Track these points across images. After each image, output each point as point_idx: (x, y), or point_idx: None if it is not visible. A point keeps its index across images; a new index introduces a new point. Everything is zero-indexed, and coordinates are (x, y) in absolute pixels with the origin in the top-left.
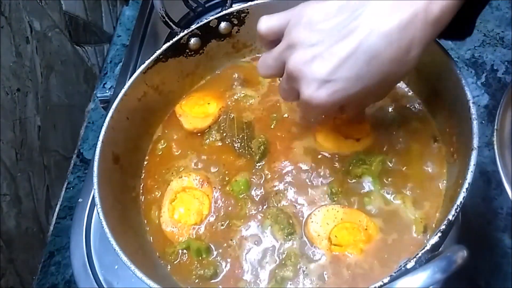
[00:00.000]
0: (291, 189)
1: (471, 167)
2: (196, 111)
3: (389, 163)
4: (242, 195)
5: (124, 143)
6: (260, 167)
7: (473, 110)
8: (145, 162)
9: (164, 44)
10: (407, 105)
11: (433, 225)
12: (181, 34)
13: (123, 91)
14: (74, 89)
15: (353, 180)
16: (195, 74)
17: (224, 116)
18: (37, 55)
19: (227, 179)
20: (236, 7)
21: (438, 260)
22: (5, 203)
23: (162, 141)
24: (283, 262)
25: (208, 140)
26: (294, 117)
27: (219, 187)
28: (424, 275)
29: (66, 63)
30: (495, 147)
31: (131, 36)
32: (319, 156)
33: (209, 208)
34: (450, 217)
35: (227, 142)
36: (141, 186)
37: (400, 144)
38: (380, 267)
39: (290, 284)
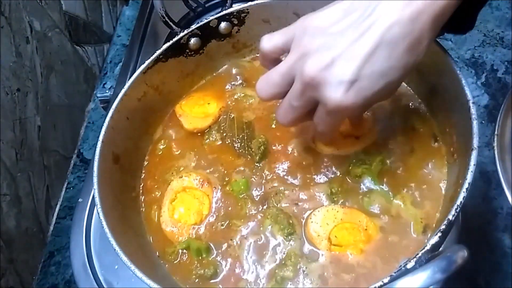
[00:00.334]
0: (291, 189)
1: (471, 167)
2: (196, 111)
3: (389, 163)
4: (242, 195)
5: (124, 143)
6: (260, 167)
7: (473, 110)
8: (145, 162)
9: (164, 44)
10: (407, 105)
11: (433, 225)
12: (181, 34)
13: (123, 91)
14: (74, 89)
15: (353, 180)
16: (195, 74)
17: (224, 116)
18: (37, 55)
19: (227, 179)
20: (236, 7)
21: (438, 260)
22: (5, 203)
23: (162, 141)
24: (283, 262)
25: (208, 140)
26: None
27: (219, 187)
28: (424, 275)
29: (66, 63)
30: (495, 152)
31: (131, 36)
32: (319, 156)
33: (209, 208)
34: (450, 217)
35: (227, 142)
36: (141, 186)
37: (400, 143)
38: (380, 267)
39: (290, 284)
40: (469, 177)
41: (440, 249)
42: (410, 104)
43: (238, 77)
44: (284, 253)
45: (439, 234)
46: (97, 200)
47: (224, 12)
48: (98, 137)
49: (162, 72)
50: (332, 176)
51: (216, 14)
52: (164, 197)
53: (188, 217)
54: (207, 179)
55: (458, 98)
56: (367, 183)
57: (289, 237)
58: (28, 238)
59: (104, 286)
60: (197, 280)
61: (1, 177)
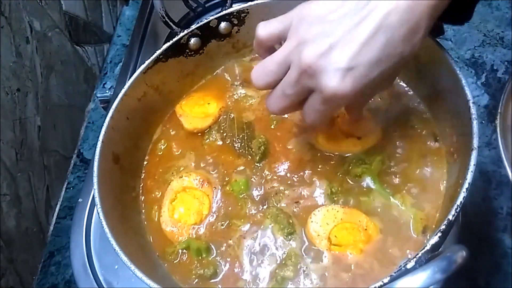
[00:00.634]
0: (291, 189)
1: (471, 167)
2: (196, 111)
3: (389, 163)
4: (242, 195)
5: (124, 143)
6: (260, 167)
7: (473, 110)
8: (145, 162)
9: (164, 44)
10: (407, 105)
11: (433, 225)
12: (181, 34)
13: (123, 91)
14: (74, 89)
15: (353, 180)
16: (195, 74)
17: (224, 116)
18: (37, 55)
19: (227, 179)
20: (236, 7)
21: (438, 260)
22: (5, 203)
23: (162, 141)
24: (284, 262)
25: (208, 140)
26: (294, 118)
27: (219, 187)
28: (424, 275)
29: (66, 63)
30: (498, 129)
31: (131, 36)
32: (319, 156)
33: (209, 208)
34: (450, 217)
35: (227, 142)
36: (141, 186)
37: (400, 143)
38: (380, 267)
39: (291, 284)
40: (469, 177)
41: (440, 249)
42: (410, 104)
43: (238, 77)
44: (284, 253)
45: (439, 234)
46: (97, 200)
47: (224, 12)
48: (98, 137)
49: (162, 72)
50: (332, 176)
51: (216, 14)
52: (164, 197)
53: (188, 217)
54: (207, 179)
55: (458, 98)
56: (367, 183)
57: (289, 237)
58: (28, 238)
59: (104, 286)
60: (197, 280)
61: (1, 177)
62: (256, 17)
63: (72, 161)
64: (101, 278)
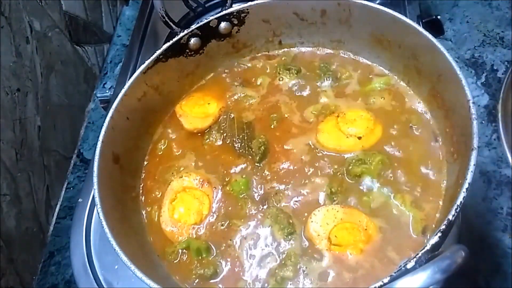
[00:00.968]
0: (291, 189)
1: (471, 167)
2: (196, 111)
3: (389, 163)
4: (242, 195)
5: (124, 143)
6: (260, 167)
7: (473, 110)
8: (145, 162)
9: (164, 44)
10: (407, 105)
11: (433, 225)
12: (181, 34)
13: (123, 91)
14: (74, 89)
15: (353, 180)
16: (195, 74)
17: (224, 116)
18: (37, 55)
19: (227, 179)
20: (236, 7)
21: (438, 260)
22: (5, 203)
23: (162, 141)
24: (283, 262)
25: (208, 140)
26: (294, 118)
27: (219, 187)
28: (424, 275)
29: (66, 63)
30: (499, 115)
31: (131, 36)
32: (319, 156)
33: (209, 208)
34: (450, 217)
35: (227, 142)
36: (141, 186)
37: (400, 143)
38: (380, 267)
39: (290, 284)
40: (469, 177)
41: (440, 249)
42: (410, 104)
43: (238, 77)
44: (284, 253)
45: (439, 234)
46: (97, 200)
47: (224, 12)
48: (98, 137)
49: (162, 72)
50: (332, 175)
51: (216, 14)
52: (164, 197)
53: (188, 217)
54: (207, 179)
55: (458, 98)
56: (367, 183)
57: (289, 236)
58: (28, 238)
59: (104, 286)
60: (197, 280)
61: (1, 177)
62: (256, 17)
63: (72, 161)
64: (101, 278)
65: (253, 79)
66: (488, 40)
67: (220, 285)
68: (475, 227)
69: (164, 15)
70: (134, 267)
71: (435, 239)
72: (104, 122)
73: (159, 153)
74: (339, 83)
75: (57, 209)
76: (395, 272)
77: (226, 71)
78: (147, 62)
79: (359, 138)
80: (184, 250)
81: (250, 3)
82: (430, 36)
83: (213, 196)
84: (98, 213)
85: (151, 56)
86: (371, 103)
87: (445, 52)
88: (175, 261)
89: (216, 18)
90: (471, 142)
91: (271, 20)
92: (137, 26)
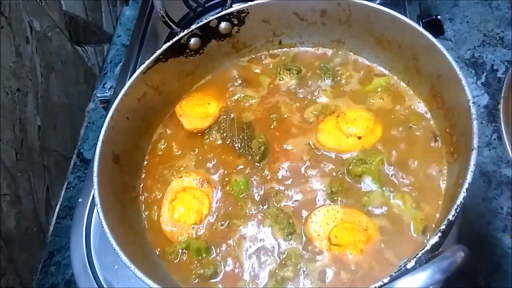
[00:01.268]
0: (291, 189)
1: (471, 167)
2: (196, 111)
3: (389, 163)
4: (242, 195)
5: (124, 143)
6: (260, 167)
7: (473, 110)
8: (145, 162)
9: (164, 44)
10: (407, 105)
11: (433, 225)
12: (181, 34)
13: (123, 91)
14: (74, 89)
15: (353, 180)
16: (195, 74)
17: (224, 116)
18: (37, 55)
19: (227, 179)
20: (236, 7)
21: (438, 260)
22: (5, 203)
23: (162, 141)
24: (283, 262)
25: (208, 140)
26: (294, 118)
27: (219, 187)
28: (424, 275)
29: (66, 63)
30: (500, 114)
31: (131, 36)
32: (319, 156)
33: (209, 208)
34: (450, 217)
35: (227, 142)
36: (141, 186)
37: (400, 143)
38: (380, 267)
39: (291, 284)
40: (469, 177)
41: (440, 249)
42: (410, 104)
43: (238, 77)
44: (284, 253)
45: (439, 234)
46: (97, 200)
47: (224, 12)
48: (98, 137)
49: (162, 72)
50: (332, 175)
51: (216, 14)
52: (164, 197)
53: (188, 217)
54: (207, 179)
55: (458, 98)
56: (367, 182)
57: (289, 236)
58: (28, 238)
59: (104, 286)
60: (197, 280)
61: (1, 177)
62: (256, 17)
63: (72, 161)
64: (101, 278)
65: (253, 79)
66: (488, 40)
67: (220, 285)
68: (475, 227)
69: (164, 15)
70: (134, 267)
71: (435, 239)
72: (104, 122)
73: (159, 153)
74: (339, 83)
75: (57, 209)
76: (395, 272)
77: (226, 71)
78: (147, 62)
79: (359, 138)
80: (184, 250)
81: (250, 3)
82: (430, 36)
83: (213, 196)
84: (98, 213)
85: (151, 56)
86: (371, 103)
87: (445, 52)
88: (175, 261)
89: (216, 18)
90: (471, 142)
91: (271, 20)
92: (137, 26)
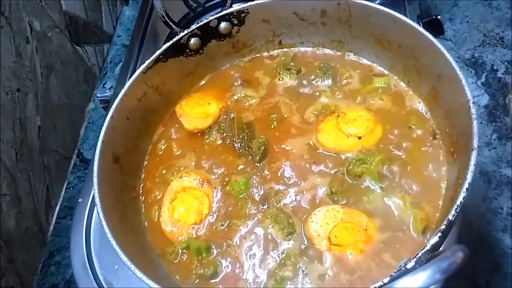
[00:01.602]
0: (291, 189)
1: (471, 167)
2: (196, 111)
3: (389, 163)
4: (242, 195)
5: (124, 143)
6: (260, 167)
7: (473, 110)
8: (145, 162)
9: (164, 44)
10: (407, 105)
11: (433, 225)
12: (181, 34)
13: (123, 91)
14: (74, 89)
15: (353, 180)
16: (195, 74)
17: (224, 116)
18: (37, 55)
19: (227, 179)
20: (236, 7)
21: (438, 260)
22: (5, 203)
23: (162, 141)
24: (283, 262)
25: (208, 140)
26: (293, 118)
27: (219, 187)
28: (424, 275)
29: (66, 63)
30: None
31: (131, 36)
32: (319, 156)
33: (209, 208)
34: (450, 217)
35: (227, 142)
36: (141, 186)
37: (400, 143)
38: (380, 267)
39: (290, 284)
40: (469, 177)
41: (440, 249)
42: (410, 104)
43: (238, 77)
44: (284, 253)
45: (439, 234)
46: (97, 200)
47: (224, 12)
48: (98, 137)
49: (162, 72)
50: (332, 175)
51: (216, 14)
52: (164, 197)
53: (188, 217)
54: (207, 179)
55: (458, 98)
56: (367, 182)
57: (289, 236)
58: (28, 238)
59: (104, 286)
60: (197, 280)
61: (1, 177)
62: (256, 17)
63: (72, 161)
64: (101, 278)
65: (253, 79)
66: (488, 40)
67: (220, 285)
68: (475, 227)
69: (164, 15)
70: (134, 267)
71: (435, 239)
72: (104, 122)
73: (159, 153)
74: (339, 83)
75: (57, 209)
76: (395, 272)
77: (226, 71)
78: (147, 62)
79: (359, 138)
80: (184, 250)
81: (250, 3)
82: (430, 36)
83: (213, 196)
84: (98, 213)
85: (151, 56)
86: (371, 103)
87: (445, 52)
88: (175, 261)
89: (216, 18)
90: (471, 142)
91: (271, 20)
92: (137, 26)
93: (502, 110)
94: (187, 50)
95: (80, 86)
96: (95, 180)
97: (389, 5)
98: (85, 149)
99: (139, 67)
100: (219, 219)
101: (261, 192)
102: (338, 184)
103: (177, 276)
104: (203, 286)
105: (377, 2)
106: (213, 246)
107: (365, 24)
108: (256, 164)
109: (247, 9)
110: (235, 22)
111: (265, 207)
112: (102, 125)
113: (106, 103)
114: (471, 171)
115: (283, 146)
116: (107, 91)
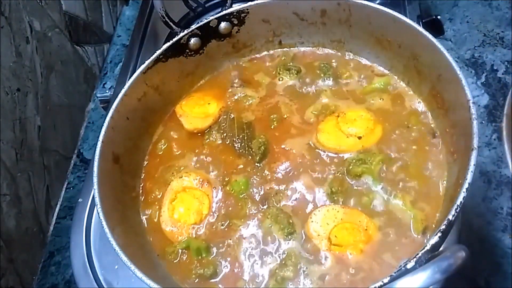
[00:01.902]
0: (291, 189)
1: (471, 167)
2: (196, 111)
3: (389, 163)
4: (242, 195)
5: (124, 143)
6: (260, 167)
7: (473, 110)
8: (145, 162)
9: (164, 44)
10: (408, 105)
11: (433, 225)
12: (181, 34)
13: (123, 91)
14: (74, 89)
15: (353, 180)
16: (195, 74)
17: (224, 116)
18: (37, 55)
19: (227, 179)
20: (236, 7)
21: (438, 260)
22: (5, 203)
23: (162, 141)
24: (284, 262)
25: (208, 140)
26: (293, 118)
27: (219, 187)
28: (424, 275)
29: (66, 63)
30: (504, 132)
31: (131, 36)
32: (319, 156)
33: (209, 207)
34: (450, 217)
35: (227, 142)
36: (141, 186)
37: (400, 143)
38: (380, 267)
39: (291, 284)
40: (469, 177)
41: (440, 249)
42: (410, 104)
43: (238, 77)
44: (284, 253)
45: (439, 234)
46: (97, 200)
47: (224, 12)
48: (98, 137)
49: (162, 72)
50: (332, 175)
51: (216, 14)
52: (164, 197)
53: (188, 217)
54: (207, 179)
55: (458, 98)
56: (367, 182)
57: (289, 236)
58: (28, 238)
59: (104, 286)
60: (196, 279)
61: (1, 177)
62: (256, 17)
63: (72, 161)
64: (101, 278)
65: (253, 79)
66: (488, 40)
67: (220, 285)
68: (475, 227)
69: (164, 15)
70: (134, 267)
71: (435, 239)
72: (104, 122)
73: (159, 153)
74: (339, 83)
75: (57, 209)
76: (395, 272)
77: (226, 71)
78: (147, 62)
79: (359, 138)
80: (184, 250)
81: (250, 3)
82: (430, 36)
83: (213, 196)
84: (98, 213)
85: (151, 56)
86: (371, 103)
87: (445, 52)
88: (175, 261)
89: (216, 18)
90: (471, 142)
91: (271, 20)
92: (137, 26)
93: (502, 110)
94: (187, 50)
95: (80, 86)
96: (95, 180)
97: (389, 5)
98: (85, 149)
99: (139, 67)
100: (219, 219)
101: (261, 192)
102: (338, 184)
103: (177, 276)
104: (203, 286)
105: (377, 2)
106: (213, 246)
107: (365, 24)
108: (256, 164)
109: (247, 9)
110: (235, 22)
111: (265, 207)
112: (102, 125)
113: (106, 103)
114: (471, 171)
115: (283, 146)
116: (107, 91)
